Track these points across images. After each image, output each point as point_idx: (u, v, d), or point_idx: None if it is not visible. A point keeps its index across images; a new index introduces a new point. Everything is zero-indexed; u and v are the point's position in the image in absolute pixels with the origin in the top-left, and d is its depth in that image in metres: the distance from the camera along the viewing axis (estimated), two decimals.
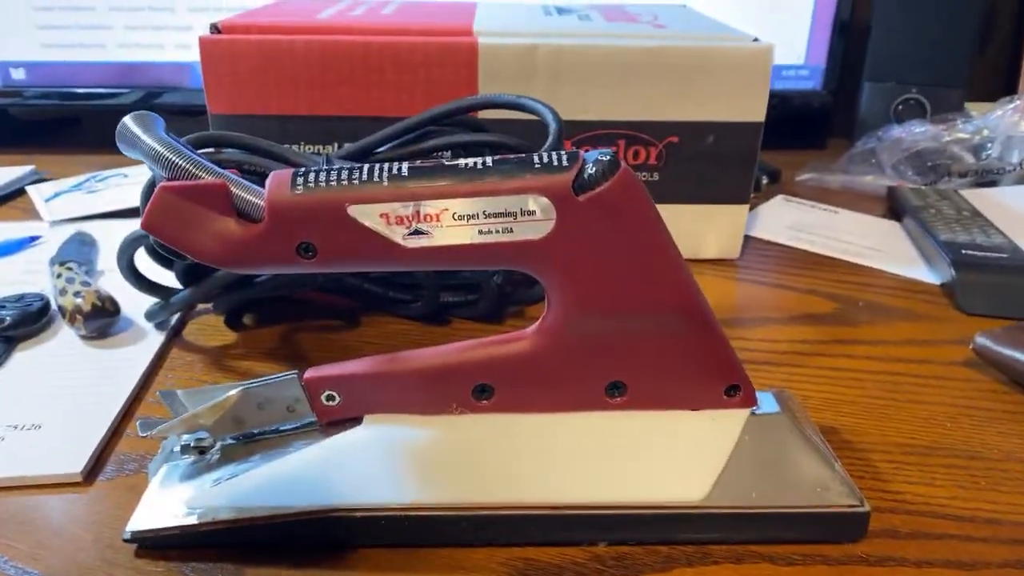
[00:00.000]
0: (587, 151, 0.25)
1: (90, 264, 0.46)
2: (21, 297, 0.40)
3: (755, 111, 0.46)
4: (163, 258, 0.38)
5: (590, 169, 0.25)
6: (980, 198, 0.57)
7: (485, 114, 0.43)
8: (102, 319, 0.39)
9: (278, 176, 0.25)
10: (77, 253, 0.47)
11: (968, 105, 0.68)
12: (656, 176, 0.47)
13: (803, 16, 0.69)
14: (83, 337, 0.39)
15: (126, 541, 0.27)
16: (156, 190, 0.25)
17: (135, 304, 0.41)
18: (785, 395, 0.30)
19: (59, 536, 0.27)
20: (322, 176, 0.25)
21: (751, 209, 0.55)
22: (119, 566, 0.26)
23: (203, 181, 0.25)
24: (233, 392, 0.28)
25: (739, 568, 0.26)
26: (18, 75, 0.67)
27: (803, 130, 0.75)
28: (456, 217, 0.25)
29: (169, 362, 0.38)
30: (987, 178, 0.60)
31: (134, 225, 0.38)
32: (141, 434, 0.28)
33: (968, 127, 0.60)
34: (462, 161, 0.25)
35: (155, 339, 0.39)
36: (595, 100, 0.45)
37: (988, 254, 0.46)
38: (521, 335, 0.28)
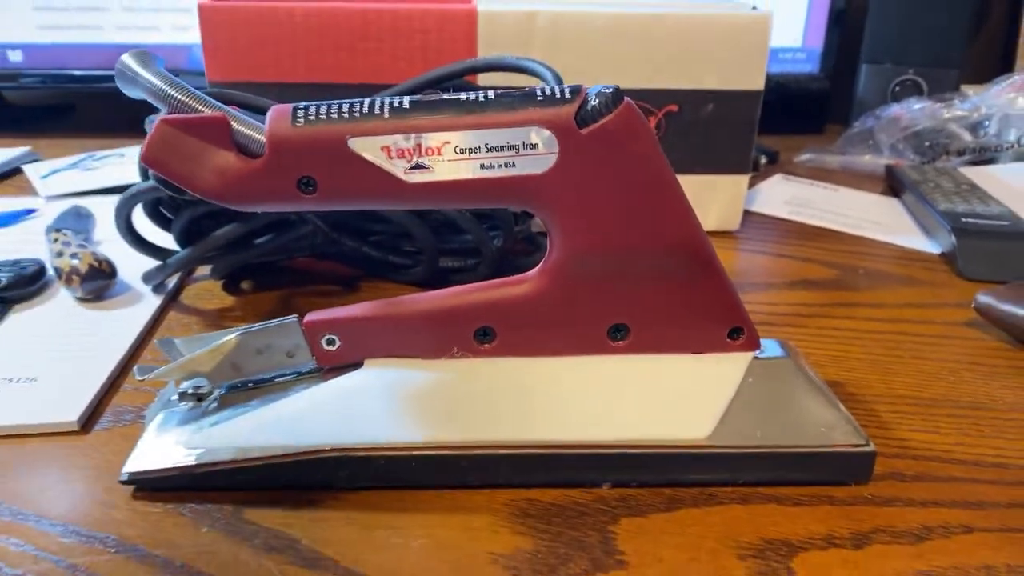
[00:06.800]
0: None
1: (86, 234, 0.46)
2: (16, 262, 0.40)
3: (754, 79, 0.46)
4: (161, 218, 0.38)
5: (593, 101, 0.25)
6: (978, 175, 0.57)
7: (483, 80, 0.43)
8: (99, 280, 0.38)
9: (279, 110, 0.25)
10: (74, 223, 0.46)
11: (963, 87, 0.68)
12: None
13: None
14: (79, 299, 0.39)
15: (123, 483, 0.26)
16: (155, 123, 0.24)
17: (132, 270, 0.40)
18: (789, 344, 0.30)
19: (56, 481, 0.27)
20: (323, 109, 0.25)
21: (749, 188, 0.55)
22: (116, 508, 0.26)
23: (202, 114, 0.25)
24: (231, 337, 0.28)
25: (745, 508, 0.26)
26: (15, 57, 0.67)
27: (800, 115, 0.76)
28: (458, 150, 0.25)
29: (166, 323, 0.38)
30: (984, 156, 0.61)
31: None
32: (138, 377, 0.28)
33: (966, 105, 0.60)
34: (464, 94, 0.25)
35: (152, 302, 0.39)
36: (593, 68, 0.45)
37: (988, 222, 0.46)
38: (523, 278, 0.28)
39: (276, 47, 0.44)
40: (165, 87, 0.25)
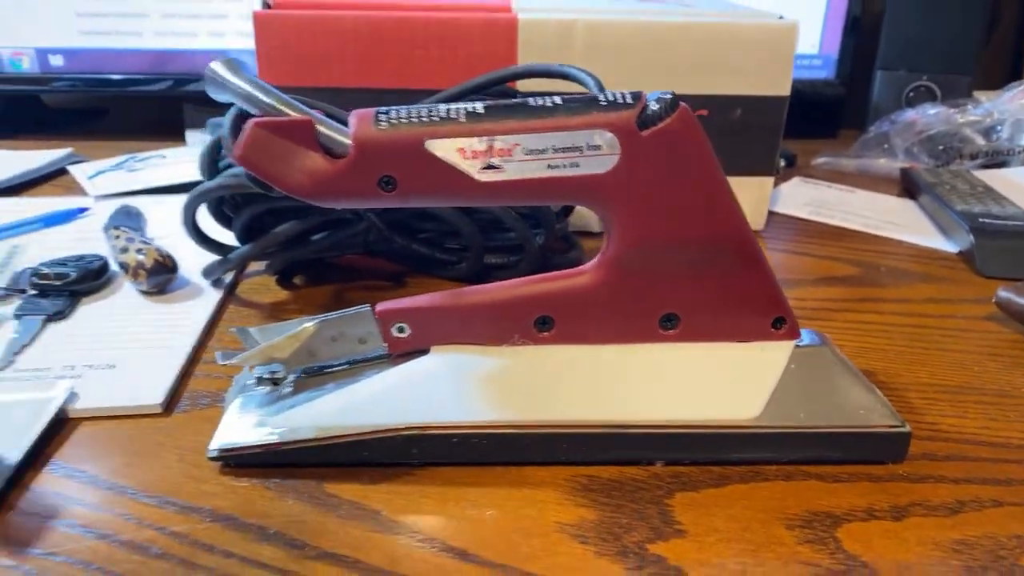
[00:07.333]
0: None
1: (140, 231, 0.48)
2: (81, 257, 0.42)
3: (781, 85, 0.48)
4: (223, 216, 0.40)
5: (653, 106, 0.27)
6: (991, 177, 0.59)
7: (523, 86, 0.45)
8: (163, 275, 0.40)
9: (361, 114, 0.27)
10: (126, 221, 0.48)
11: (976, 93, 0.70)
12: None
13: (817, 7, 0.71)
14: (143, 293, 0.41)
15: (211, 459, 0.28)
16: (248, 125, 0.26)
17: (187, 265, 0.42)
18: (823, 334, 0.32)
19: (146, 458, 0.29)
20: (403, 113, 0.27)
21: None
22: (205, 481, 0.28)
23: (291, 117, 0.27)
24: (309, 324, 0.30)
25: (789, 485, 0.28)
26: (56, 61, 0.69)
27: (816, 119, 0.78)
28: (527, 152, 0.27)
29: (227, 315, 0.40)
30: (997, 159, 0.63)
31: (175, 201, 0.40)
32: (221, 362, 0.30)
33: (979, 110, 0.62)
34: (532, 100, 0.27)
35: (211, 295, 0.41)
36: (629, 74, 0.47)
37: (1004, 221, 0.48)
38: (581, 270, 0.30)
39: (327, 54, 0.46)
40: (255, 92, 0.27)
